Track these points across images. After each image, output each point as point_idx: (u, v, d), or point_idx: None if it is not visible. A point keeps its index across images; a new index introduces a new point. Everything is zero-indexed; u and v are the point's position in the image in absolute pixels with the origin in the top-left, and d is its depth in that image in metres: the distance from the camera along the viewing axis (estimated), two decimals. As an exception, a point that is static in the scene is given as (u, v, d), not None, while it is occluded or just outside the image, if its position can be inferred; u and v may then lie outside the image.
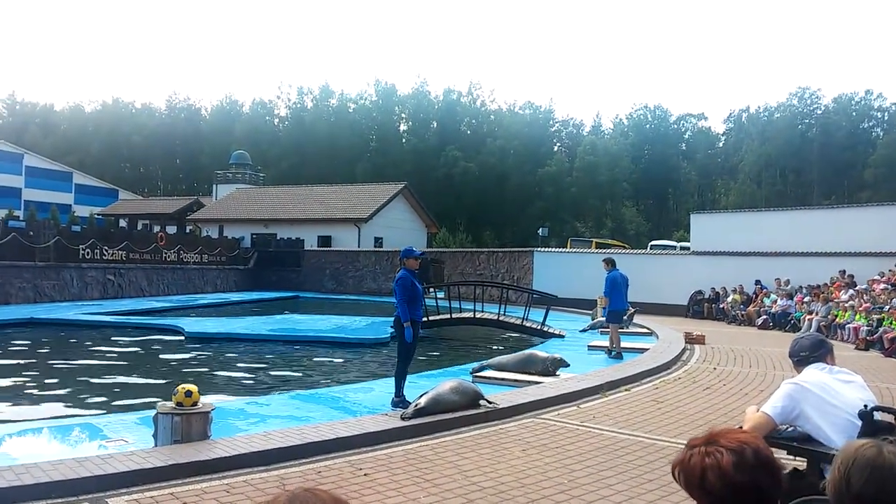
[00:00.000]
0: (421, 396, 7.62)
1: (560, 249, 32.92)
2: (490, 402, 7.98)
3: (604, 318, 18.12)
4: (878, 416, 3.24)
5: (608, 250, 30.31)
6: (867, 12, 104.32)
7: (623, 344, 14.63)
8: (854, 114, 69.21)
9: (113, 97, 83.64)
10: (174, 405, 6.23)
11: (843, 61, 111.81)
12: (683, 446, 1.74)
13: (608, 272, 13.50)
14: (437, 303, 18.11)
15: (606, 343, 14.38)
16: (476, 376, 10.35)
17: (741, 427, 3.56)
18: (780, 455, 3.76)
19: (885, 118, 69.40)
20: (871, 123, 70.37)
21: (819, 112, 70.33)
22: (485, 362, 11.37)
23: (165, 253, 30.70)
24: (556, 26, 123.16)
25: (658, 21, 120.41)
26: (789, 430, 3.45)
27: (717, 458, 1.60)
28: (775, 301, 21.54)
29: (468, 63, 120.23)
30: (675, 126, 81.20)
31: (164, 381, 11.05)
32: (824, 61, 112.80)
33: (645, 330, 18.14)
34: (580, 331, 18.08)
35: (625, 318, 16.32)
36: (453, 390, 7.74)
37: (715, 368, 12.08)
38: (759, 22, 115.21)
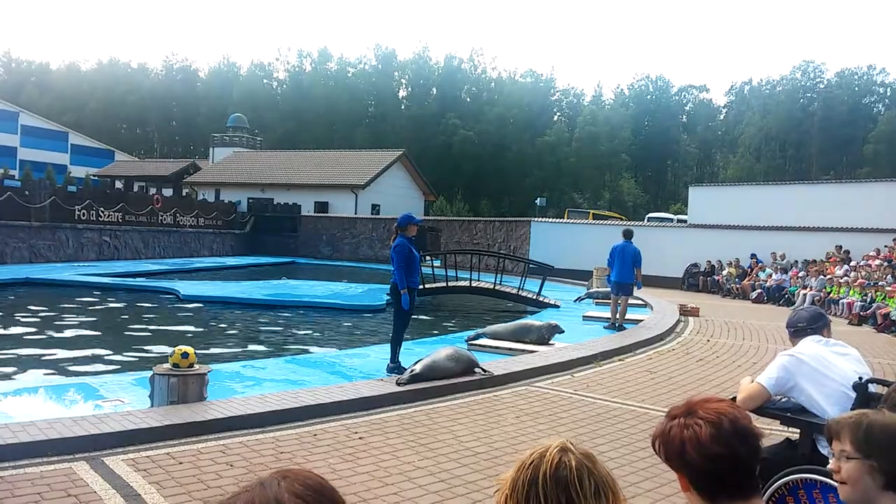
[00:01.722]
0: (416, 363, 7.67)
1: (557, 220, 32.89)
2: (485, 371, 8.03)
3: (598, 289, 18.29)
4: (872, 388, 3.26)
5: (605, 222, 30.32)
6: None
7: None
8: (856, 88, 68.70)
9: (110, 57, 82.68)
10: (170, 366, 6.25)
11: (848, 35, 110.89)
12: (663, 417, 1.74)
13: None
14: (433, 271, 18.12)
15: (601, 314, 14.41)
16: (471, 344, 10.42)
17: (734, 398, 3.59)
18: (774, 426, 3.80)
19: (888, 94, 68.93)
20: (872, 99, 69.90)
21: (822, 86, 69.76)
22: (480, 330, 11.42)
23: (161, 216, 30.60)
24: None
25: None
26: (783, 400, 3.48)
27: (696, 431, 1.61)
28: (770, 275, 21.61)
29: (470, 29, 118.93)
30: (677, 97, 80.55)
31: (159, 343, 11.09)
32: (829, 35, 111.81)
33: (640, 301, 18.21)
34: (574, 300, 18.16)
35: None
36: (449, 357, 7.79)
37: (708, 340, 12.16)
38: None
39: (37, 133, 55.85)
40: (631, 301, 17.65)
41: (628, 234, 13.40)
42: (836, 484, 3.10)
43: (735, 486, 1.62)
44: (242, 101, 65.47)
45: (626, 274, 13.11)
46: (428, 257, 18.75)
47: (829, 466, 1.98)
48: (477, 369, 8.00)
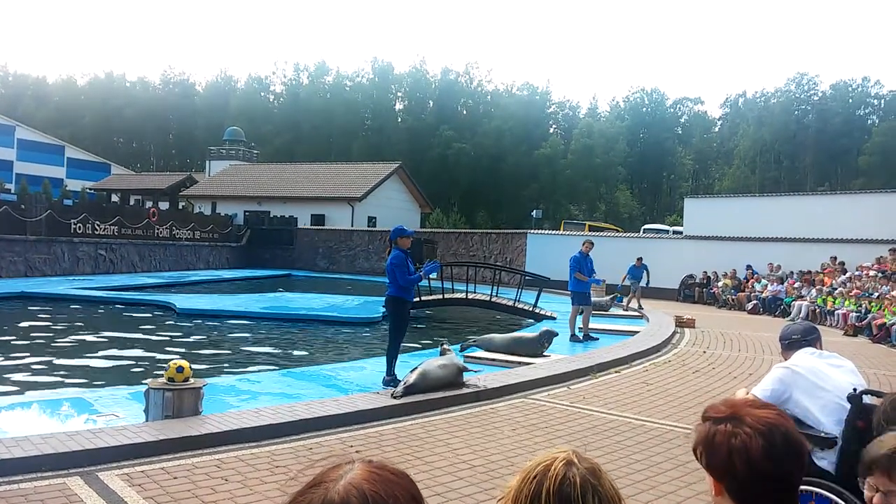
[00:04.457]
0: (409, 374, 7.69)
1: (553, 232, 32.93)
2: (474, 370, 8.15)
3: (607, 299, 18.46)
4: (867, 399, 3.27)
5: (601, 233, 30.37)
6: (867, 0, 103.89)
7: (614, 327, 14.66)
8: (850, 100, 69.05)
9: (105, 71, 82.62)
10: (165, 381, 6.23)
11: (842, 48, 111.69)
12: (703, 421, 1.62)
13: None
14: (429, 283, 18.10)
15: (598, 325, 14.39)
16: (465, 356, 10.40)
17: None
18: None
19: (882, 105, 69.31)
20: (867, 111, 70.29)
21: (816, 98, 70.13)
22: (475, 341, 11.41)
23: (158, 229, 30.56)
24: (555, 7, 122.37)
25: (657, 3, 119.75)
26: (778, 413, 3.48)
27: (745, 442, 1.50)
28: (766, 286, 21.64)
29: (467, 42, 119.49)
30: (672, 110, 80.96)
31: (155, 357, 11.05)
32: (823, 47, 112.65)
33: (635, 313, 18.24)
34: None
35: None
36: (440, 365, 7.88)
37: (705, 352, 12.16)
38: (759, 6, 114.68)
39: (33, 147, 55.85)
40: (624, 312, 17.59)
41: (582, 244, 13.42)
42: (831, 496, 3.11)
43: (776, 501, 1.53)
44: (239, 114, 65.62)
45: (570, 283, 13.13)
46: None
47: (874, 501, 1.82)
48: (467, 375, 8.06)
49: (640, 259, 20.02)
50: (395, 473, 1.06)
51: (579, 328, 13.33)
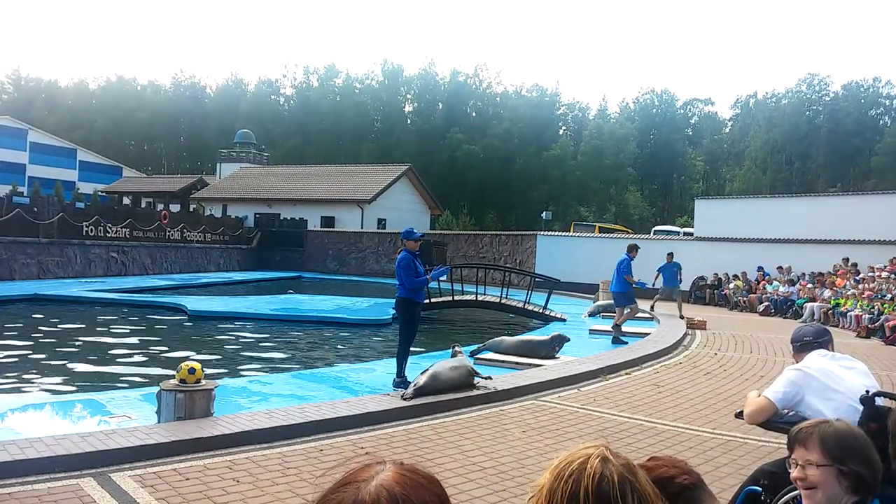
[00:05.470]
0: (420, 375, 7.70)
1: (563, 233, 32.87)
2: (484, 377, 8.19)
3: (603, 302, 18.28)
4: (879, 401, 3.25)
5: (612, 235, 30.31)
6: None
7: (624, 328, 14.60)
8: (862, 101, 68.55)
9: (117, 75, 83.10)
10: (177, 382, 6.27)
11: (853, 48, 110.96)
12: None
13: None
14: (439, 285, 18.12)
15: (609, 327, 14.35)
16: (477, 359, 10.40)
17: (741, 412, 3.58)
18: (781, 440, 3.77)
19: (893, 106, 68.81)
20: (878, 111, 69.76)
21: (827, 99, 69.69)
22: (485, 344, 11.41)
23: (169, 231, 30.72)
24: (564, 8, 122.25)
25: (667, 4, 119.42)
26: (790, 414, 3.47)
27: None
28: (777, 288, 21.51)
29: (476, 44, 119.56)
30: (682, 111, 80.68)
31: (166, 359, 11.10)
32: (834, 48, 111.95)
33: (646, 315, 18.14)
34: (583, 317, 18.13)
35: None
36: (451, 367, 7.88)
37: (716, 354, 12.11)
38: (770, 7, 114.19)
39: (45, 150, 56.33)
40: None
41: (628, 249, 13.89)
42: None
43: None
44: (250, 116, 65.90)
45: (613, 284, 13.84)
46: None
47: (792, 475, 2.03)
48: (477, 379, 8.04)
49: (670, 255, 18.59)
50: (425, 477, 1.07)
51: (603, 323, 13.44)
